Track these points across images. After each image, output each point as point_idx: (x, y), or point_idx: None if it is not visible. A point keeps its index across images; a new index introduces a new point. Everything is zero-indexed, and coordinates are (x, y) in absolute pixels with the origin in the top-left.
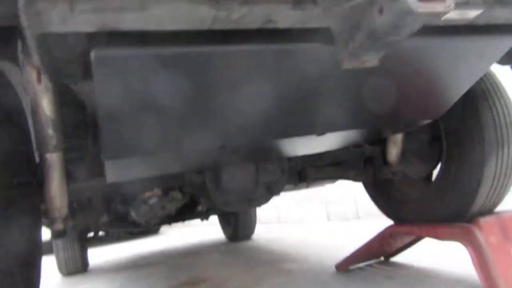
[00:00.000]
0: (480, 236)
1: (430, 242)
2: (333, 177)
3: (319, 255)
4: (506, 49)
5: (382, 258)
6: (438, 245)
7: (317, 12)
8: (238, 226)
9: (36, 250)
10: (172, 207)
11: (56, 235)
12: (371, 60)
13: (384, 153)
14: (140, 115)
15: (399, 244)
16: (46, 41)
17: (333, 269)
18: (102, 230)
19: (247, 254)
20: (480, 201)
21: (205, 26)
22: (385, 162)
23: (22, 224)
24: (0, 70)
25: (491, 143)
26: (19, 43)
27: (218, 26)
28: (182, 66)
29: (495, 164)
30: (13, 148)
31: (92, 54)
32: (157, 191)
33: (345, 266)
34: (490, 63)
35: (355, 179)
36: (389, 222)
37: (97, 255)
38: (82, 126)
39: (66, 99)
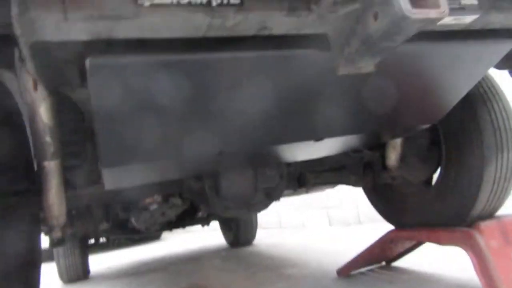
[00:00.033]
0: (481, 240)
1: (431, 247)
2: (332, 182)
3: (320, 260)
4: (503, 54)
5: (383, 263)
6: (439, 249)
7: (312, 18)
8: (239, 232)
9: (35, 258)
10: (172, 214)
11: (54, 243)
12: (367, 66)
13: (383, 158)
14: (137, 122)
15: (400, 249)
16: (41, 49)
17: (334, 274)
18: (102, 237)
19: (248, 259)
20: (480, 205)
21: (200, 33)
22: (384, 167)
23: (20, 232)
24: None
25: (490, 147)
26: (16, 51)
27: (213, 33)
28: (178, 74)
29: (495, 168)
30: (12, 155)
31: (87, 62)
32: (157, 197)
33: (346, 271)
34: (487, 68)
35: (354, 184)
36: (390, 227)
37: (98, 262)
38: (80, 133)
39: (64, 106)
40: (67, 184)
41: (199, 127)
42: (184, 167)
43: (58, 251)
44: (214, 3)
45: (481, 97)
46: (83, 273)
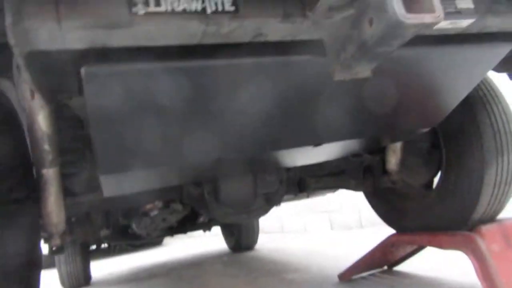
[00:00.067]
0: (482, 244)
1: (433, 251)
2: (333, 187)
3: (322, 265)
4: (501, 57)
5: (385, 267)
6: (441, 253)
7: (307, 25)
8: (240, 237)
9: (35, 265)
10: (173, 219)
11: (53, 251)
12: (363, 71)
13: (383, 162)
14: (134, 130)
15: (402, 253)
16: (35, 58)
17: (336, 279)
18: (103, 243)
19: (249, 264)
20: (481, 209)
21: (195, 41)
22: (384, 171)
23: (20, 239)
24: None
25: (490, 150)
26: (14, 60)
27: (209, 40)
28: (175, 81)
29: (495, 171)
30: (11, 163)
31: (83, 71)
32: (158, 203)
33: (348, 276)
34: (485, 71)
35: (355, 188)
36: (392, 230)
37: (100, 268)
38: (79, 140)
39: (62, 114)
40: (66, 191)
41: (197, 133)
42: (182, 173)
43: (60, 257)
44: (208, 11)
45: (480, 100)
46: (85, 280)
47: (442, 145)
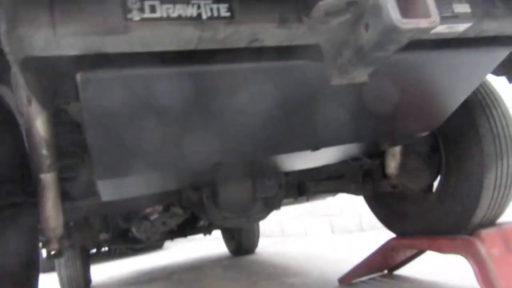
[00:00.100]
0: (482, 248)
1: (433, 255)
2: (332, 191)
3: (322, 269)
4: (499, 60)
5: (385, 272)
6: (442, 257)
7: (303, 30)
8: (241, 240)
9: (33, 269)
10: (173, 223)
11: (51, 255)
12: (360, 76)
13: (383, 166)
14: (130, 135)
15: (402, 257)
16: (31, 65)
17: (336, 283)
18: (103, 247)
19: (250, 268)
20: (481, 213)
21: (191, 46)
22: (384, 175)
23: (19, 244)
24: None
25: (489, 153)
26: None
27: (204, 46)
28: (171, 86)
29: (495, 174)
30: (10, 168)
31: (78, 77)
32: (158, 207)
33: (348, 280)
34: (484, 75)
35: (354, 192)
36: (393, 234)
37: (100, 272)
38: (77, 145)
39: (60, 119)
40: (65, 196)
41: (194, 139)
42: (180, 178)
43: (60, 261)
44: (204, 16)
45: (479, 103)
46: (85, 283)
47: (442, 148)
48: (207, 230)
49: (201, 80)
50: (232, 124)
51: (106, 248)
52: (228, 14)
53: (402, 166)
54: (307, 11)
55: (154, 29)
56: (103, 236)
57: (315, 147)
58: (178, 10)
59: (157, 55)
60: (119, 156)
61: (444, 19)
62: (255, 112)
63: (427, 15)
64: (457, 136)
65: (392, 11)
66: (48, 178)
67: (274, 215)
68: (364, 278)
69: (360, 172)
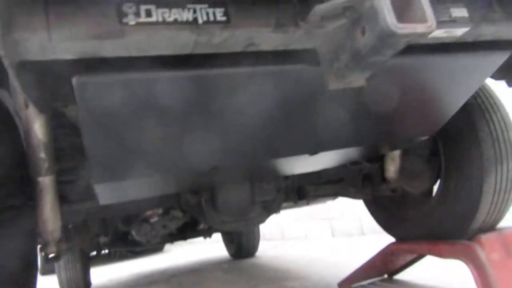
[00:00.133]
0: (482, 253)
1: (433, 259)
2: (332, 195)
3: (322, 273)
4: (497, 65)
5: (385, 276)
6: (442, 262)
7: (299, 34)
8: (241, 244)
9: (31, 272)
10: (173, 226)
11: (49, 258)
12: (357, 80)
13: (382, 170)
14: (126, 139)
15: (402, 261)
16: (26, 69)
17: (336, 287)
18: (103, 250)
19: (250, 271)
20: (481, 217)
21: (187, 50)
22: (383, 179)
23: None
24: None
25: (489, 157)
26: None
27: (201, 50)
28: (167, 90)
29: (495, 179)
30: (8, 170)
31: (74, 81)
32: (158, 210)
33: (347, 284)
34: (482, 79)
35: (354, 196)
36: (393, 238)
37: (100, 274)
38: (75, 148)
39: (58, 122)
40: (63, 199)
41: (191, 143)
42: (178, 182)
43: (59, 263)
44: (200, 21)
45: (479, 107)
46: (85, 286)
47: (442, 152)
48: (207, 233)
49: (197, 84)
50: (228, 129)
51: (106, 251)
52: (224, 18)
53: (402, 170)
54: (304, 15)
55: (150, 33)
56: (103, 239)
57: (314, 151)
58: (174, 15)
59: (153, 59)
60: (116, 159)
61: (441, 24)
62: (252, 116)
63: (423, 20)
64: (457, 140)
65: (389, 16)
66: (46, 181)
67: (274, 218)
68: (364, 283)
69: (359, 176)
